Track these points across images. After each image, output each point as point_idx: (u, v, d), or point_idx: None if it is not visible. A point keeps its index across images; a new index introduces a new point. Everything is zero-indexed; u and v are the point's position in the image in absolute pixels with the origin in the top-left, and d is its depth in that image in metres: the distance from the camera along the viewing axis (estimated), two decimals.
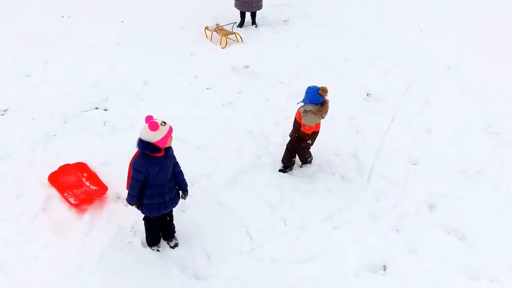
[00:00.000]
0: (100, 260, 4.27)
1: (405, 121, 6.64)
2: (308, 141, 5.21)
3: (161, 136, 3.67)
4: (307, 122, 4.95)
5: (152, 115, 3.79)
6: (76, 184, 5.11)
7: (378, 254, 4.50)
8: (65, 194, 4.93)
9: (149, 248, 4.42)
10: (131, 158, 3.87)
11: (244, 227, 4.75)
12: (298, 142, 5.27)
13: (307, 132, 5.07)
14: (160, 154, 3.78)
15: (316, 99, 4.88)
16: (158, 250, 4.41)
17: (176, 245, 4.46)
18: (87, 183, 5.16)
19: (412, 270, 4.36)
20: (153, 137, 3.65)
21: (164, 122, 3.71)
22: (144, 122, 3.74)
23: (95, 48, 8.55)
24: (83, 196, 4.88)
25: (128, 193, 3.95)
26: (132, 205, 4.02)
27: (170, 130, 3.74)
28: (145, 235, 4.42)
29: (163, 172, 3.87)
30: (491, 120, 6.69)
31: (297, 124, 5.15)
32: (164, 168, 3.86)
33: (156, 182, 3.88)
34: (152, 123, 3.64)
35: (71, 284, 4.06)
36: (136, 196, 3.92)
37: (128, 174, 3.93)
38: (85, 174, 5.27)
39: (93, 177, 5.23)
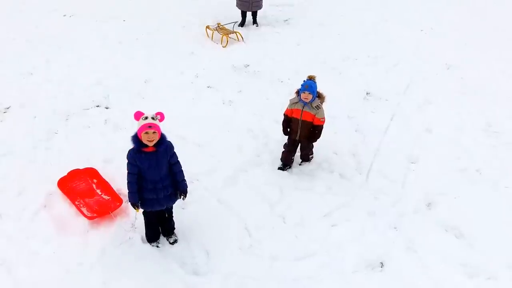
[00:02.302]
0: (100, 256, 4.30)
1: (404, 120, 6.66)
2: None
3: (137, 127, 3.73)
4: (323, 115, 5.11)
5: (143, 111, 3.84)
6: (86, 191, 5.01)
7: (376, 251, 4.52)
8: (77, 203, 4.83)
9: (148, 244, 4.45)
10: None
11: (243, 224, 4.78)
12: (314, 137, 5.27)
13: (323, 123, 5.16)
14: (149, 149, 3.79)
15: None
16: (157, 246, 4.44)
17: (175, 241, 4.49)
18: (98, 191, 5.05)
19: (410, 267, 4.38)
20: (136, 125, 3.74)
21: (146, 117, 3.70)
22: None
23: (97, 47, 8.62)
24: (96, 208, 4.78)
25: (128, 191, 3.97)
26: (135, 205, 3.97)
27: (144, 127, 3.66)
28: (145, 231, 4.46)
29: (154, 168, 3.85)
30: (490, 120, 6.70)
31: (308, 124, 5.14)
32: (155, 164, 3.84)
33: (148, 177, 3.88)
34: (137, 112, 3.75)
35: (72, 279, 4.10)
36: (135, 192, 3.92)
37: None
38: (95, 180, 5.17)
39: (104, 184, 5.11)
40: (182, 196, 4.15)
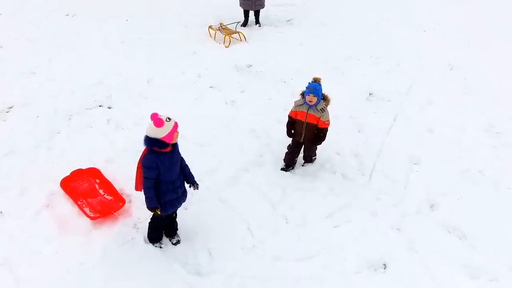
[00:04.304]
0: (103, 256, 4.31)
1: (407, 121, 6.65)
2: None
3: (167, 132, 3.70)
4: (328, 117, 5.08)
5: (157, 112, 3.80)
6: (89, 191, 5.01)
7: (378, 252, 4.51)
8: (79, 203, 4.84)
9: (151, 244, 4.45)
10: (139, 158, 3.87)
11: (245, 224, 4.77)
12: (319, 140, 5.25)
13: (327, 126, 5.14)
14: (168, 150, 3.81)
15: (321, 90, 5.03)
16: (160, 247, 4.44)
17: (178, 242, 4.49)
18: (101, 191, 5.04)
19: (412, 268, 4.37)
20: (159, 133, 3.68)
21: (169, 118, 3.74)
22: (149, 119, 3.75)
23: (99, 46, 8.63)
24: (99, 208, 4.78)
25: (145, 196, 3.93)
26: (155, 210, 3.93)
27: (176, 125, 3.77)
28: (147, 233, 4.45)
29: (173, 167, 3.90)
30: (492, 120, 6.69)
31: (312, 127, 5.12)
32: (173, 163, 3.90)
33: (167, 178, 3.90)
34: (157, 120, 3.68)
35: (73, 278, 4.10)
36: (154, 197, 3.90)
37: (137, 176, 3.94)
38: (97, 181, 5.16)
39: (107, 184, 5.09)
40: (194, 187, 4.23)
